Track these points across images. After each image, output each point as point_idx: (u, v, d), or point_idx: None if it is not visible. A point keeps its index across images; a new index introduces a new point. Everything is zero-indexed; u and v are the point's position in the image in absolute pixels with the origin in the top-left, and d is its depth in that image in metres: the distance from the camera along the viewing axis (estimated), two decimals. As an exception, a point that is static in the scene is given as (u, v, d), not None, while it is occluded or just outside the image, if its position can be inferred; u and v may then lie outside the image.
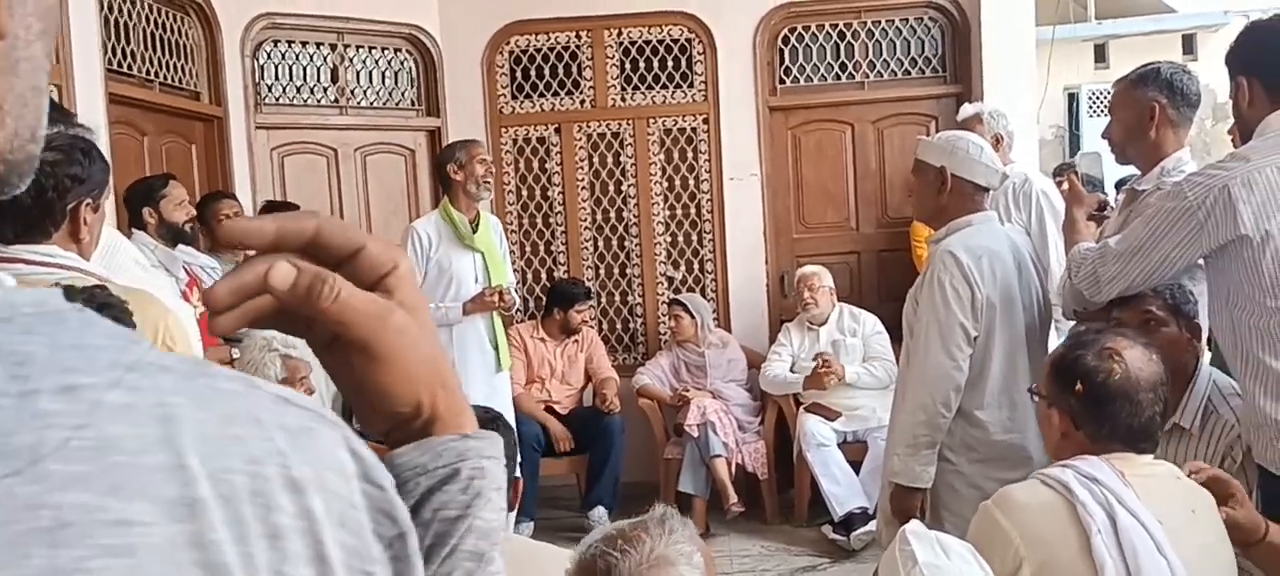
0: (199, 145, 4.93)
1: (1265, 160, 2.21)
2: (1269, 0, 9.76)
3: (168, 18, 4.68)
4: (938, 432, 2.75)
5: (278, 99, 5.36)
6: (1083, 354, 1.98)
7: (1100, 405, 1.93)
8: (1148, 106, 2.69)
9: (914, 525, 1.84)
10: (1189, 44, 10.02)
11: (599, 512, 5.21)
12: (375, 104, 5.70)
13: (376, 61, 5.69)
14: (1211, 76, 9.20)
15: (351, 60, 5.60)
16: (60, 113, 2.25)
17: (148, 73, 4.50)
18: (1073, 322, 3.00)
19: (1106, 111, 3.01)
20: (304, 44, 5.43)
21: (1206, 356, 2.64)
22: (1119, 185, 6.02)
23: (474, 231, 4.47)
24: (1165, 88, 2.68)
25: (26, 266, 1.82)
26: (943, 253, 2.75)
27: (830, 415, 5.21)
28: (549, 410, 5.41)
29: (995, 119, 4.26)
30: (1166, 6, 9.74)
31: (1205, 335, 2.57)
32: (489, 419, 2.06)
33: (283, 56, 5.38)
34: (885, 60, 5.86)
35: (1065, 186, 4.96)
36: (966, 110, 4.44)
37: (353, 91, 5.61)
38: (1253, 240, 2.19)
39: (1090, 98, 9.67)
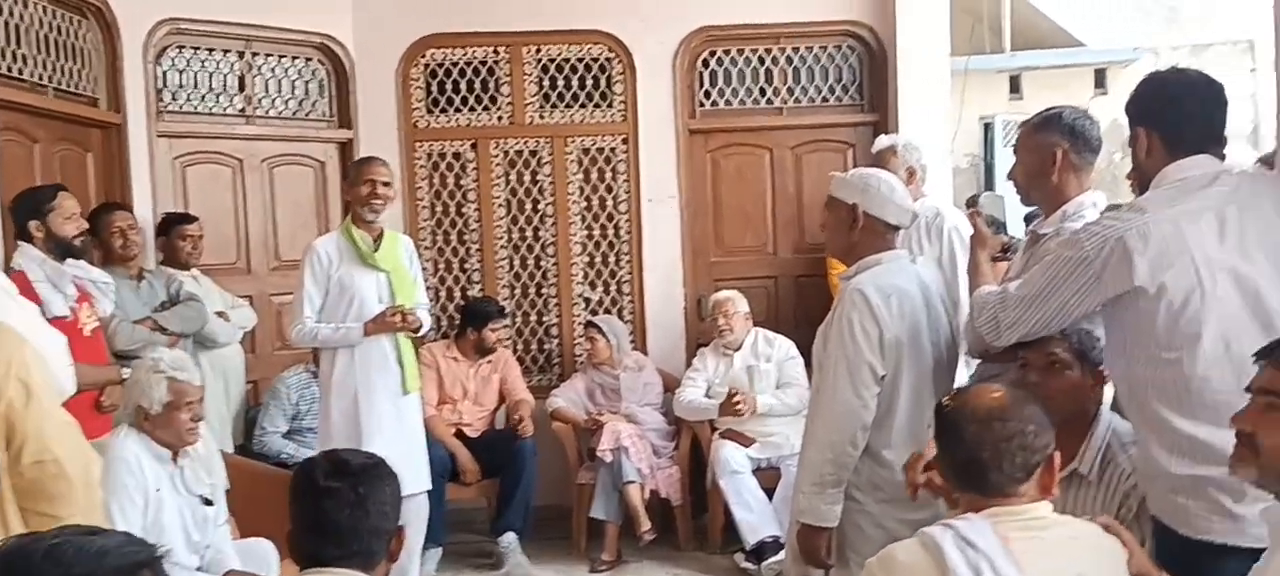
0: (96, 153, 4.74)
1: (1161, 212, 2.22)
2: (1178, 36, 10.09)
3: (63, 20, 4.49)
4: (844, 471, 2.73)
5: (181, 107, 5.18)
6: (951, 404, 1.98)
7: (969, 454, 1.91)
8: (1050, 151, 2.70)
9: None
10: (1100, 78, 10.29)
11: (509, 538, 5.12)
12: (284, 114, 5.54)
13: (286, 71, 5.53)
14: (1121, 111, 9.50)
15: (260, 68, 5.44)
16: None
17: (40, 77, 4.31)
18: (979, 361, 3.02)
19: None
20: (210, 51, 5.27)
21: (1107, 402, 2.66)
22: (1028, 220, 6.14)
23: (376, 249, 4.34)
24: (1068, 132, 2.70)
25: None
26: (852, 290, 2.73)
27: (744, 442, 5.19)
28: (460, 433, 5.31)
29: (909, 151, 4.29)
30: (1078, 41, 9.99)
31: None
32: (371, 464, 1.97)
33: (187, 63, 5.20)
34: (804, 86, 5.88)
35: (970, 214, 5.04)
36: (881, 142, 4.46)
37: (261, 100, 5.45)
38: (1147, 292, 2.20)
39: (1005, 127, 9.87)
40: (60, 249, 3.79)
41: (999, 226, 6.53)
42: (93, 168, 4.71)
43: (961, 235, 3.95)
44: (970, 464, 1.92)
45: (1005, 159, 9.56)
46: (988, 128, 9.95)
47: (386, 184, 4.32)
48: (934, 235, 4.01)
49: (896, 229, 2.83)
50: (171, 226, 4.89)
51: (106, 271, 4.29)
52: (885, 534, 2.78)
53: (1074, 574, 1.84)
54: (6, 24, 4.08)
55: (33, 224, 3.73)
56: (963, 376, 3.20)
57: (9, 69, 4.08)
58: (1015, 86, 10.11)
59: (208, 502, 3.54)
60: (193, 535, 3.44)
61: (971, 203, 6.60)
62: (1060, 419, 2.23)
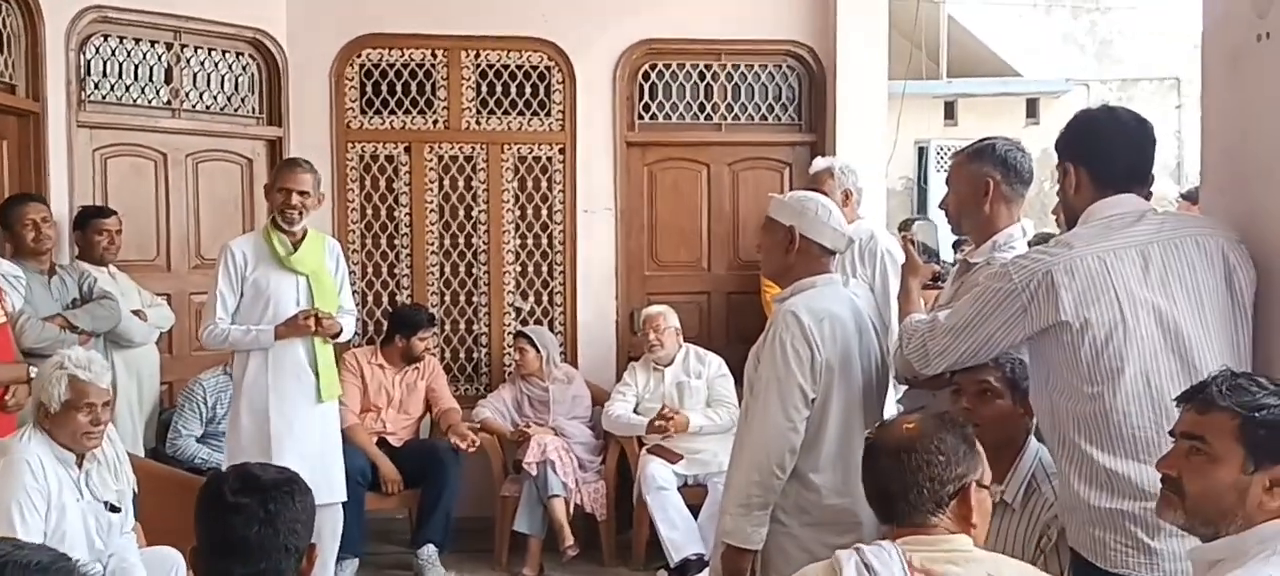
0: (11, 142, 4.58)
1: (1087, 248, 2.24)
2: (1108, 71, 10.34)
3: (-19, 4, 4.34)
4: (771, 494, 2.71)
5: (104, 97, 5.02)
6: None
7: (869, 482, 1.97)
8: (982, 181, 2.73)
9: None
10: (1032, 108, 10.50)
11: (429, 550, 5.03)
12: (212, 109, 5.40)
13: (216, 64, 5.40)
14: (1051, 141, 9.71)
15: (189, 61, 5.30)
16: None
17: (-45, 60, 4.15)
18: (906, 387, 3.02)
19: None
20: (137, 41, 5.12)
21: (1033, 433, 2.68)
22: (956, 246, 6.22)
23: (294, 252, 4.23)
24: (1000, 164, 2.73)
25: None
26: (786, 313, 2.72)
27: (672, 458, 5.17)
28: (382, 441, 5.20)
29: (846, 174, 4.32)
30: (1014, 71, 10.18)
31: None
32: (283, 480, 1.90)
33: (112, 52, 5.05)
34: (743, 104, 5.90)
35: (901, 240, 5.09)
36: (818, 164, 4.48)
37: (188, 94, 5.31)
38: (1072, 326, 2.22)
39: (938, 152, 10.02)
40: None
41: (931, 254, 6.62)
42: (8, 156, 4.55)
43: (894, 259, 3.97)
44: (882, 494, 1.93)
45: (939, 183, 9.72)
46: (922, 152, 10.09)
47: (303, 194, 4.19)
48: (867, 258, 4.03)
49: (832, 253, 2.83)
50: (88, 220, 4.74)
51: (16, 265, 4.13)
52: (809, 557, 2.75)
53: None
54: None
55: None
56: (891, 401, 3.21)
57: (-80, 50, 3.92)
58: (950, 112, 10.28)
59: (114, 509, 3.42)
60: (96, 542, 3.33)
61: (905, 226, 6.68)
62: (989, 446, 2.23)
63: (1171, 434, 1.88)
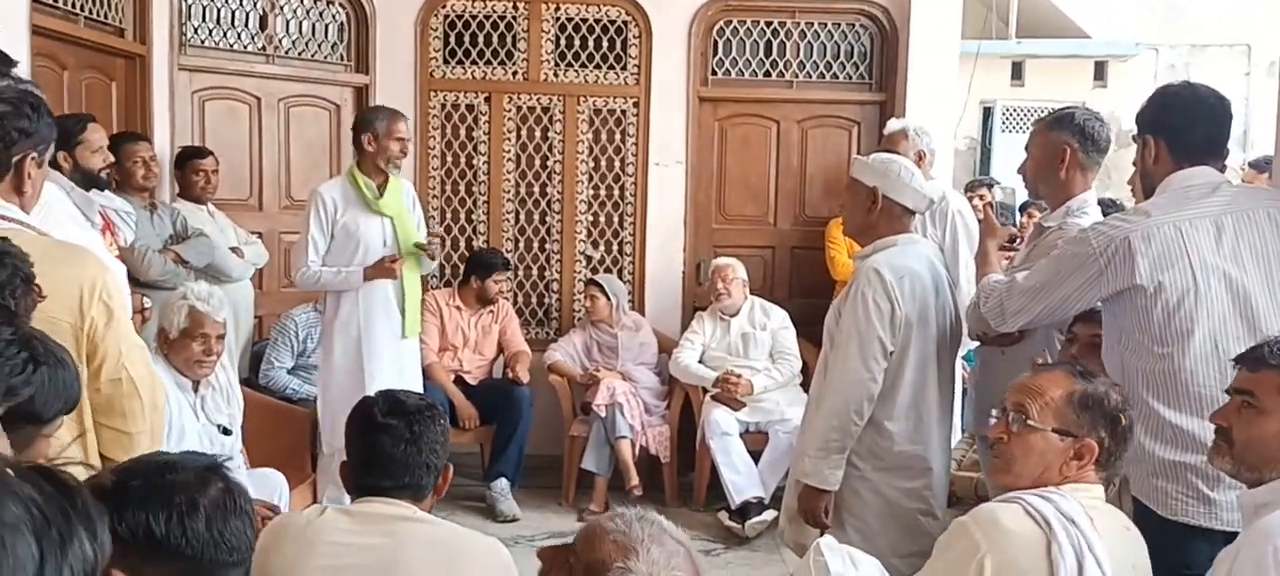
0: (119, 83, 4.81)
1: (1164, 216, 2.37)
2: (1178, 34, 10.21)
3: (95, -51, 4.55)
4: (848, 439, 2.88)
5: (203, 42, 5.25)
6: (1103, 385, 2.08)
7: (1129, 438, 2.07)
8: (1060, 148, 2.85)
9: (827, 539, 1.95)
10: (1100, 71, 10.40)
11: (501, 484, 5.27)
12: (303, 55, 5.61)
13: (308, 12, 5.60)
14: (1119, 104, 9.63)
15: (282, 9, 5.51)
16: (4, 61, 2.22)
17: (72, 5, 4.37)
18: (976, 343, 3.17)
19: (1019, 128, 3.18)
20: (234, -12, 5.33)
21: None
22: (1024, 206, 6.29)
23: (380, 196, 4.44)
24: (1078, 132, 2.85)
25: None
26: (868, 269, 2.87)
27: (735, 405, 5.34)
28: (459, 379, 5.44)
29: (919, 136, 4.41)
30: (1084, 32, 10.09)
31: None
32: (425, 406, 2.11)
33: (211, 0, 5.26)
34: (815, 61, 5.98)
35: (978, 204, 5.18)
36: (892, 125, 4.58)
37: (281, 41, 5.52)
38: (1146, 290, 2.36)
39: (1005, 113, 9.99)
40: (86, 180, 3.87)
41: (1008, 214, 6.68)
42: (116, 97, 4.78)
43: (965, 219, 4.09)
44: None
45: (1003, 143, 9.70)
46: (988, 112, 10.06)
47: (408, 142, 4.46)
48: (938, 219, 4.14)
49: (913, 213, 2.97)
50: (187, 160, 4.98)
51: (126, 199, 4.38)
52: (881, 499, 2.96)
53: (1130, 563, 1.98)
54: (43, -48, 4.14)
55: (61, 154, 3.80)
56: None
57: (44, -5, 4.15)
58: (1017, 73, 10.21)
59: (226, 431, 3.67)
60: (210, 462, 3.57)
61: (972, 187, 6.74)
62: None
63: (1227, 392, 2.03)
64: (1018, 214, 6.28)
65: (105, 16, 4.64)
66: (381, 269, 4.37)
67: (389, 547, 2.06)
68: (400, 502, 2.10)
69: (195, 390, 3.57)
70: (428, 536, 2.11)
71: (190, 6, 5.17)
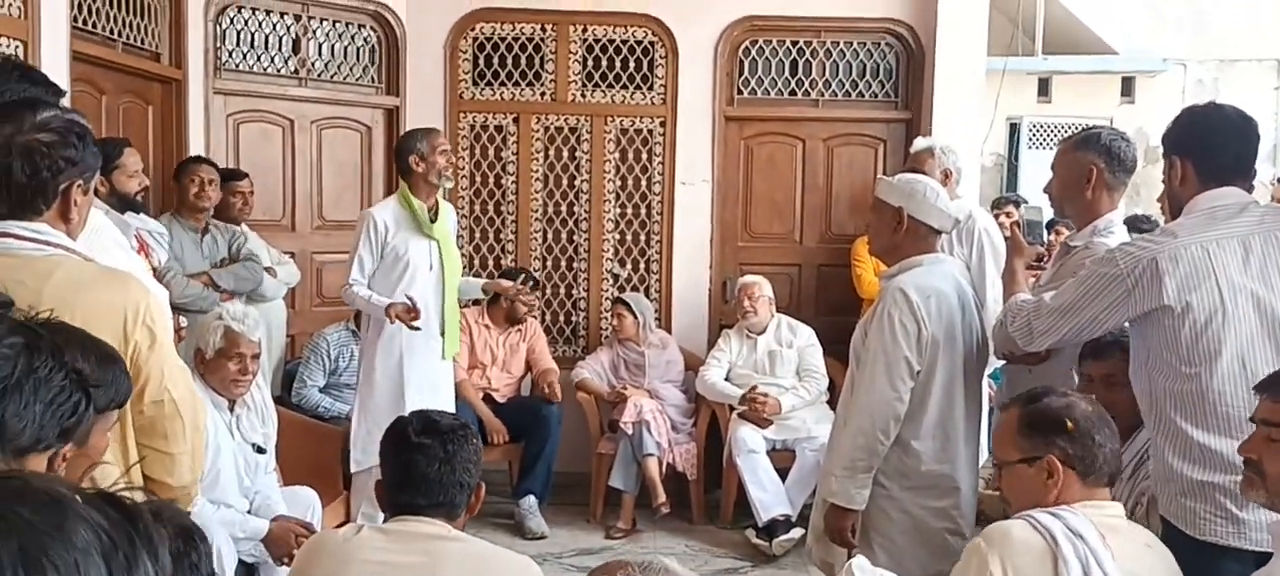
0: (156, 106, 4.90)
1: (1191, 238, 2.38)
2: (1206, 49, 10.16)
3: (133, -23, 4.65)
4: (875, 458, 2.89)
5: (237, 66, 5.34)
6: (1048, 400, 2.13)
7: (1092, 437, 2.09)
8: (1086, 168, 2.87)
9: (860, 560, 1.97)
10: (1128, 87, 10.36)
11: (529, 501, 5.30)
12: (335, 78, 5.70)
13: (340, 35, 5.69)
14: (1146, 120, 9.59)
15: (314, 32, 5.60)
16: (52, 91, 2.29)
17: (111, 31, 4.47)
18: (1003, 362, 3.18)
19: (1046, 144, 3.20)
20: (267, 12, 5.41)
21: None
22: (1051, 224, 6.28)
23: (433, 220, 4.50)
24: (1104, 152, 2.86)
25: (16, 241, 1.87)
26: (894, 289, 2.89)
27: (762, 424, 5.36)
28: (488, 397, 5.48)
29: (946, 154, 4.42)
30: (1111, 49, 10.06)
31: None
32: (459, 425, 2.15)
33: (245, 23, 5.35)
34: (841, 80, 6.01)
35: (1005, 222, 5.18)
36: (919, 144, 4.59)
37: (313, 64, 5.61)
38: (1174, 310, 2.37)
39: (1031, 129, 9.97)
40: (121, 203, 3.96)
41: (1035, 233, 6.67)
42: (153, 120, 4.87)
43: (991, 238, 4.10)
44: (1111, 452, 2.11)
45: (1031, 160, 9.67)
46: (1015, 128, 10.04)
47: (451, 154, 4.56)
48: (965, 237, 4.14)
49: (939, 233, 2.99)
50: (223, 182, 5.06)
51: (176, 221, 4.48)
52: (908, 519, 2.97)
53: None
54: (84, -20, 4.24)
55: (97, 178, 3.89)
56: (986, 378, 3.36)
57: (83, 22, 4.24)
58: (1044, 89, 10.18)
59: (260, 450, 3.72)
60: (244, 480, 3.62)
61: (999, 204, 6.73)
62: (1123, 429, 2.45)
63: (1251, 420, 2.03)
64: (1046, 232, 6.26)
65: (142, 42, 4.73)
66: (402, 313, 4.36)
67: (424, 566, 2.10)
68: (435, 521, 2.14)
69: (231, 409, 3.62)
70: (462, 554, 2.14)
71: (224, 31, 5.26)
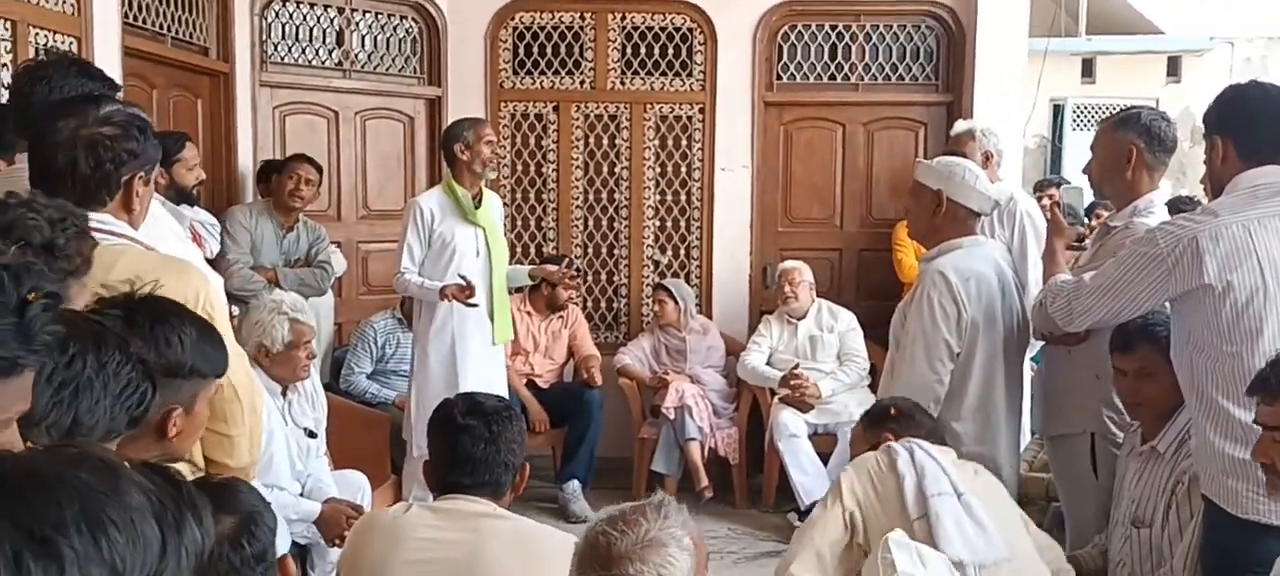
0: (205, 100, 5.01)
1: (1233, 216, 2.38)
2: (1254, 26, 9.98)
3: (181, -27, 4.76)
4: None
5: (283, 59, 5.44)
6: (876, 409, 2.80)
7: (912, 417, 2.74)
8: (1126, 148, 2.86)
9: (896, 534, 2.00)
10: (1174, 66, 10.20)
11: (573, 486, 5.36)
12: (378, 69, 5.78)
13: (382, 27, 5.77)
14: (1193, 100, 9.44)
15: (357, 25, 5.68)
16: (108, 86, 2.37)
17: (160, 27, 4.57)
18: (1043, 343, 3.19)
19: (1090, 125, 3.19)
20: (311, 5, 5.51)
21: None
22: (1090, 209, 6.22)
23: (477, 207, 4.57)
24: (1144, 132, 2.85)
25: None
26: (933, 272, 2.90)
27: (804, 408, 5.37)
28: (531, 383, 5.55)
29: (987, 137, 4.40)
30: (1156, 27, 9.91)
31: None
32: (503, 407, 2.21)
33: (290, 17, 5.45)
34: (880, 64, 5.99)
35: (1045, 204, 5.15)
36: (959, 127, 4.58)
37: (357, 56, 5.70)
38: (1215, 289, 2.36)
39: (1075, 110, 9.85)
40: (178, 195, 4.07)
41: (1075, 216, 6.61)
42: (202, 113, 4.98)
43: (1034, 221, 4.09)
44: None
45: (1074, 142, 9.57)
46: (1058, 110, 9.93)
47: (496, 144, 4.64)
48: (1006, 220, 4.13)
49: (978, 215, 2.99)
50: (271, 173, 5.16)
51: (266, 212, 4.60)
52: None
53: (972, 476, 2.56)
54: (134, -24, 4.34)
55: (157, 170, 4.00)
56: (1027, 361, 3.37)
57: (134, 18, 4.35)
58: (1088, 70, 10.05)
59: (311, 434, 3.81)
60: (297, 464, 3.71)
61: (1040, 187, 6.68)
62: (1159, 416, 2.63)
63: (1255, 423, 2.04)
64: (1087, 217, 6.21)
65: (190, 37, 4.84)
66: (456, 292, 4.45)
67: (471, 542, 2.16)
68: (481, 499, 2.20)
69: (283, 395, 3.71)
70: (507, 531, 2.21)
71: (270, 25, 5.36)
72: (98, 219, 1.98)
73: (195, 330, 1.72)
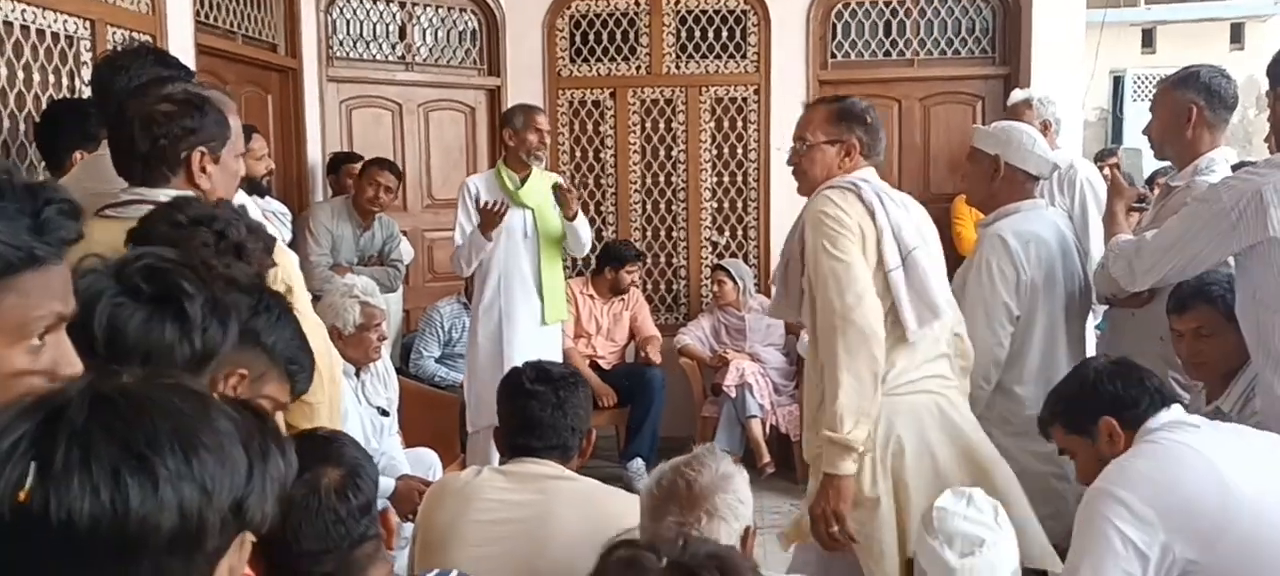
0: (275, 95, 5.16)
1: (1296, 169, 2.37)
2: (1322, -10, 9.73)
3: (249, -30, 4.91)
4: (976, 405, 2.93)
5: (348, 54, 5.58)
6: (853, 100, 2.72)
7: (878, 132, 2.74)
8: (1186, 107, 2.86)
9: (946, 495, 2.06)
10: (1237, 33, 10.00)
11: (637, 464, 5.44)
12: (439, 62, 5.91)
13: (442, 21, 5.89)
14: (1257, 66, 9.25)
15: (418, 19, 5.81)
16: (183, 73, 2.47)
17: (231, 25, 4.73)
18: (1106, 307, 3.19)
19: (1150, 96, 3.18)
20: (374, 1, 5.64)
21: None
22: (1151, 179, 6.14)
23: (521, 187, 4.65)
24: (1203, 90, 2.85)
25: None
26: (992, 236, 2.92)
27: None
28: (594, 365, 5.64)
29: (1044, 105, 4.39)
30: (1217, -6, 9.74)
31: None
32: (569, 374, 2.29)
33: (354, 13, 5.59)
34: (935, 39, 5.98)
35: (1106, 171, 5.11)
36: (1017, 95, 4.57)
37: (418, 49, 5.82)
38: (1280, 242, 2.36)
39: (1135, 82, 9.70)
40: (248, 185, 4.20)
41: (1134, 182, 6.54)
42: (272, 108, 5.13)
43: (1094, 187, 4.07)
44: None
45: (1135, 113, 9.44)
46: (1118, 81, 9.79)
47: (548, 134, 4.71)
48: (1067, 187, 4.12)
49: (1036, 179, 3.01)
50: (340, 165, 5.31)
51: (344, 212, 4.76)
52: (1014, 464, 2.99)
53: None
54: (204, -25, 4.49)
55: (227, 149, 4.14)
56: (1090, 325, 3.37)
57: (206, 17, 4.49)
58: (1148, 40, 9.90)
59: (384, 413, 3.93)
60: (371, 442, 3.82)
61: (1102, 156, 6.62)
62: (1219, 376, 2.60)
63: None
64: (1146, 186, 6.14)
65: (260, 34, 4.99)
66: (488, 215, 4.49)
67: (540, 502, 2.24)
68: (549, 462, 2.29)
69: (356, 375, 3.84)
70: (574, 492, 2.29)
71: (335, 22, 5.51)
72: (168, 195, 2.04)
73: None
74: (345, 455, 1.72)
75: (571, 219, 4.68)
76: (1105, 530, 1.99)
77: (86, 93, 3.58)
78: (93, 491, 0.79)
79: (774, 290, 2.94)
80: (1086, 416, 2.24)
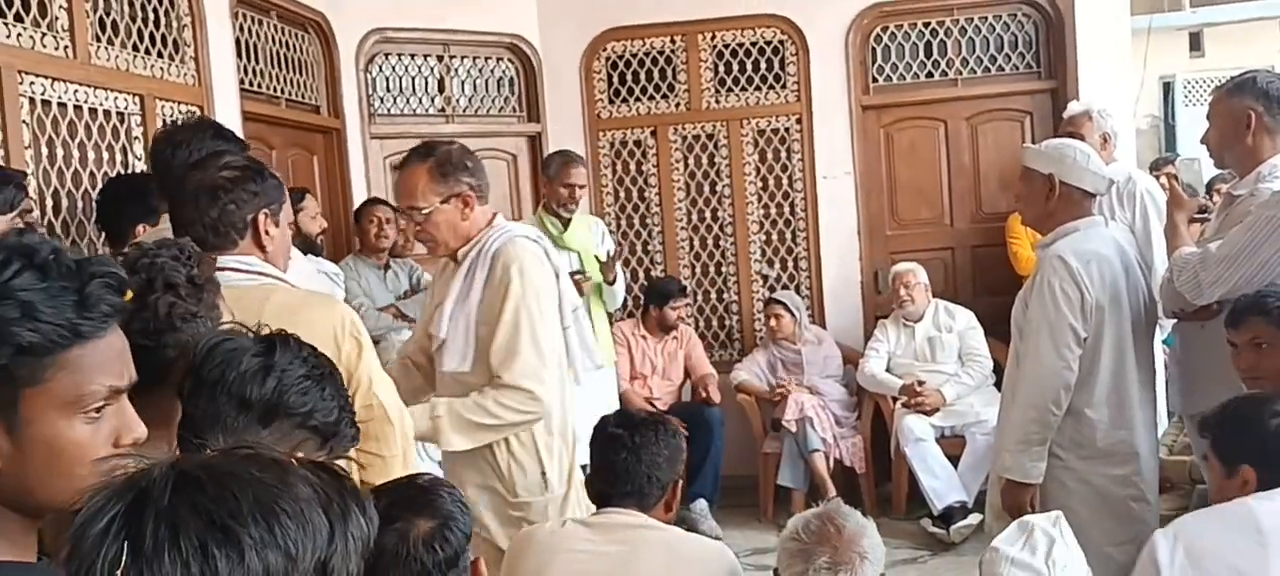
0: (320, 156, 5.21)
1: (1367, 170, 2.29)
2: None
3: (290, 36, 4.96)
4: (1048, 430, 2.85)
5: (389, 110, 5.63)
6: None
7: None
8: (1244, 114, 2.77)
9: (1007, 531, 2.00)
10: (1289, 31, 9.78)
11: (700, 505, 5.37)
12: (479, 112, 5.94)
13: (480, 71, 5.93)
14: (1314, 63, 9.02)
15: (457, 70, 5.85)
16: (239, 146, 2.52)
17: (274, 90, 4.79)
18: (1174, 321, 3.09)
19: (1202, 100, 3.10)
20: (412, 56, 5.69)
21: None
22: (1210, 186, 6.00)
23: (564, 231, 4.68)
24: (1261, 96, 2.77)
25: (232, 274, 2.07)
26: (1052, 257, 2.85)
27: (928, 411, 5.29)
28: (651, 404, 5.59)
29: (1103, 117, 4.32)
30: (1266, -8, 9.52)
31: None
32: (651, 421, 2.28)
33: (393, 69, 5.64)
34: (978, 56, 5.90)
35: (1163, 181, 5.00)
36: (1073, 108, 4.50)
37: (457, 101, 5.86)
38: (1351, 244, 2.27)
39: (1186, 87, 9.51)
40: (304, 244, 4.24)
41: (1192, 191, 6.40)
42: (318, 168, 5.19)
43: (1154, 199, 3.98)
44: None
45: (1187, 119, 9.24)
46: (1167, 88, 9.61)
47: (582, 187, 4.80)
48: (1126, 200, 4.03)
49: (1093, 196, 2.93)
50: (360, 216, 5.31)
51: (359, 260, 4.79)
52: (1089, 489, 2.91)
53: None
54: (248, 44, 4.56)
55: (285, 210, 4.21)
56: (1157, 340, 3.27)
57: (251, 83, 4.56)
58: (1196, 43, 9.69)
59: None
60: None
61: (1157, 166, 6.48)
62: (1275, 384, 2.45)
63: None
64: (1206, 194, 6.00)
65: (303, 97, 5.05)
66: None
67: (624, 554, 2.23)
68: (630, 511, 2.27)
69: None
70: (658, 541, 2.27)
71: (374, 79, 5.56)
72: (237, 260, 2.11)
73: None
74: (439, 506, 1.72)
75: (611, 283, 4.78)
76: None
77: (139, 166, 3.65)
78: (184, 565, 0.82)
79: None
80: (1235, 455, 2.17)
